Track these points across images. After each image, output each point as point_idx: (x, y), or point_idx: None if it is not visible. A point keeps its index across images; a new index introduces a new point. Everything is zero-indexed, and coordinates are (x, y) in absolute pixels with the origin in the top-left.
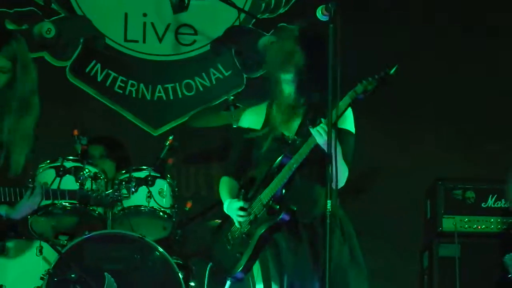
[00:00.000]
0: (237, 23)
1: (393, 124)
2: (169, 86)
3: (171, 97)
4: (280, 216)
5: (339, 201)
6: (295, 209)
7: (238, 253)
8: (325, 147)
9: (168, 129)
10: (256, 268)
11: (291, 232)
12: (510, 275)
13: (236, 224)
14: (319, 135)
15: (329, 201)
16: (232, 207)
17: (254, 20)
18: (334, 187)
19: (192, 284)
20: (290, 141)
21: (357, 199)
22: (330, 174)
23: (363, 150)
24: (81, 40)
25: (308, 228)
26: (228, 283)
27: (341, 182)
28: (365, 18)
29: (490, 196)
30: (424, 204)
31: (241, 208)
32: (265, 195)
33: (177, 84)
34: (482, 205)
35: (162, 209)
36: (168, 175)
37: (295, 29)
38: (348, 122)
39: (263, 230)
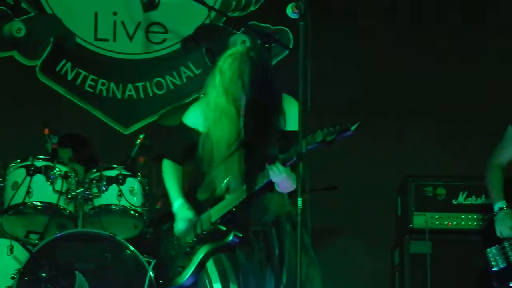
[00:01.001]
0: (207, 21)
1: (364, 121)
2: (140, 84)
3: (142, 96)
4: (228, 240)
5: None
6: (241, 235)
7: (179, 266)
8: (278, 183)
9: (139, 128)
10: (211, 268)
11: (242, 242)
12: (493, 269)
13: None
14: (274, 174)
15: (299, 199)
16: (182, 214)
17: (224, 18)
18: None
19: (162, 281)
20: (230, 150)
21: (328, 196)
22: (300, 172)
23: (333, 147)
24: (51, 39)
25: (260, 233)
26: None
27: (294, 186)
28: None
29: (461, 192)
30: (395, 201)
31: (191, 220)
32: (215, 213)
33: (147, 82)
34: (453, 201)
35: (133, 208)
36: (139, 174)
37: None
38: (292, 123)
39: (206, 251)
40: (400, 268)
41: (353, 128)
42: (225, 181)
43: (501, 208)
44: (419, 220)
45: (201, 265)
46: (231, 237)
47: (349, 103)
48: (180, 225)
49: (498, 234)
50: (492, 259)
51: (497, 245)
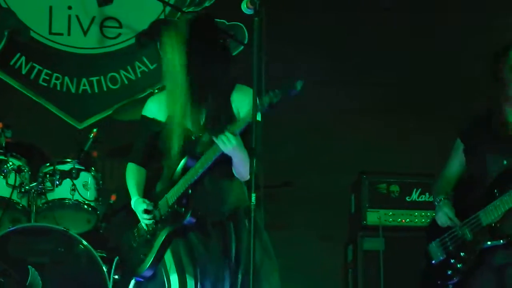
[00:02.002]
0: (162, 16)
1: (318, 117)
2: (94, 79)
3: (96, 90)
4: (186, 220)
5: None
6: (198, 215)
7: (142, 254)
8: (230, 154)
9: (93, 122)
10: (168, 260)
11: (200, 230)
12: (433, 262)
13: (142, 223)
14: (223, 144)
15: (253, 194)
16: (138, 208)
17: (179, 14)
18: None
19: (116, 277)
20: (194, 138)
21: (282, 192)
22: (253, 167)
23: (288, 143)
24: (6, 33)
25: (218, 225)
26: (132, 282)
27: (247, 160)
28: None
29: (415, 190)
30: (349, 197)
31: (146, 211)
32: (171, 196)
33: (102, 77)
34: (407, 198)
35: (86, 202)
36: (93, 168)
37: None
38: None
39: (166, 233)
40: (353, 265)
41: (298, 86)
42: (181, 164)
43: (440, 200)
44: (373, 217)
45: (163, 249)
46: (188, 216)
47: (306, 98)
48: (141, 218)
49: (439, 223)
50: (433, 253)
51: (437, 239)
